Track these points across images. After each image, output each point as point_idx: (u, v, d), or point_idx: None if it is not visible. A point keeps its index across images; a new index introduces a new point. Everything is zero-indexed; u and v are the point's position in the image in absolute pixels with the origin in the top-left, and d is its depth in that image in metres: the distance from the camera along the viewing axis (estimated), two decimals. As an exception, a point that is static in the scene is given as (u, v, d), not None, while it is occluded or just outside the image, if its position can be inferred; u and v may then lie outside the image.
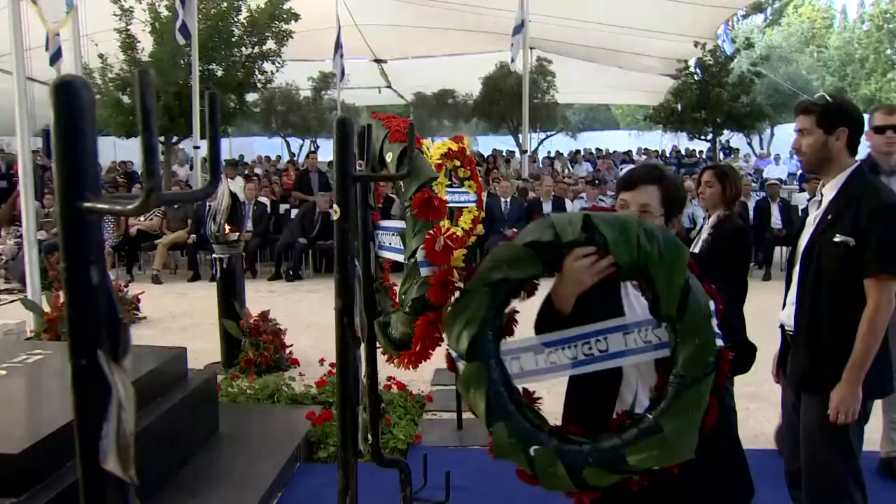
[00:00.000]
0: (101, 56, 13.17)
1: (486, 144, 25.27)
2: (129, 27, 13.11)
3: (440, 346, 2.11)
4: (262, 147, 28.04)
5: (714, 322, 1.79)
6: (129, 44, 13.16)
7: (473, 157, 4.95)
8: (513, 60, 15.89)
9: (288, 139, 25.92)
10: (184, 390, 4.29)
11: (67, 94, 0.68)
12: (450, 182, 5.41)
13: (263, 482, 3.99)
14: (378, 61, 24.10)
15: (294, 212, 12.32)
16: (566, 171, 19.98)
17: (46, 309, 7.12)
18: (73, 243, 0.68)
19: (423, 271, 1.89)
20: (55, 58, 12.95)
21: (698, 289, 1.80)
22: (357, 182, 1.66)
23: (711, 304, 1.81)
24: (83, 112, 0.68)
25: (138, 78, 0.63)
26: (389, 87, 26.06)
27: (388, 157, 1.98)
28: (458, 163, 4.67)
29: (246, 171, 17.28)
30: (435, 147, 4.82)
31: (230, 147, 27.23)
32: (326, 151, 25.67)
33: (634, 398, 2.02)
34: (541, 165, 20.01)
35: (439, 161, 4.44)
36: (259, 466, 4.20)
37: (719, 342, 1.79)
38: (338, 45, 19.28)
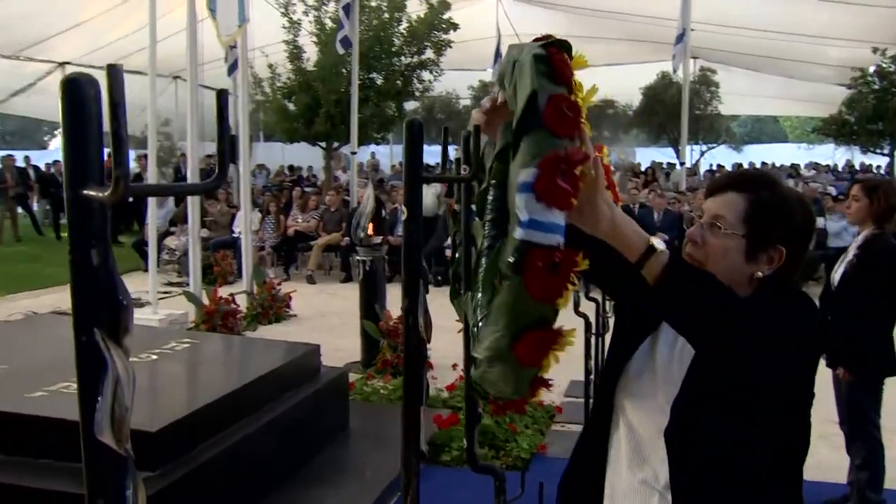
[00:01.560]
0: (270, 66, 13.94)
1: (648, 156, 24.73)
2: (296, 38, 13.81)
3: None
4: (424, 155, 28.62)
5: (527, 200, 1.23)
6: (295, 54, 13.86)
7: (611, 168, 4.88)
8: (674, 71, 15.44)
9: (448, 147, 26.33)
10: (315, 385, 4.46)
11: (73, 90, 0.73)
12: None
13: (384, 480, 4.08)
14: (537, 71, 24.08)
15: (445, 218, 12.51)
16: (727, 184, 19.20)
17: (206, 302, 7.61)
18: (77, 227, 0.74)
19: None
20: (232, 69, 13.87)
21: (532, 146, 1.26)
22: (423, 183, 1.67)
23: (532, 173, 1.23)
24: (87, 107, 0.73)
25: (107, 72, 0.67)
26: (548, 96, 25.97)
27: (488, 162, 1.97)
28: (593, 172, 4.61)
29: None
30: (569, 156, 4.81)
31: (391, 153, 28.04)
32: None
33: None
34: (701, 178, 19.32)
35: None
36: (382, 464, 4.29)
37: (522, 234, 1.24)
38: (497, 55, 19.44)
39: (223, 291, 8.16)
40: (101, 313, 0.72)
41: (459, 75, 21.17)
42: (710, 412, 1.51)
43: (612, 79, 21.90)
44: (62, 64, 18.31)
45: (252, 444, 3.63)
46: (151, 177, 8.18)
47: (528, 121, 1.28)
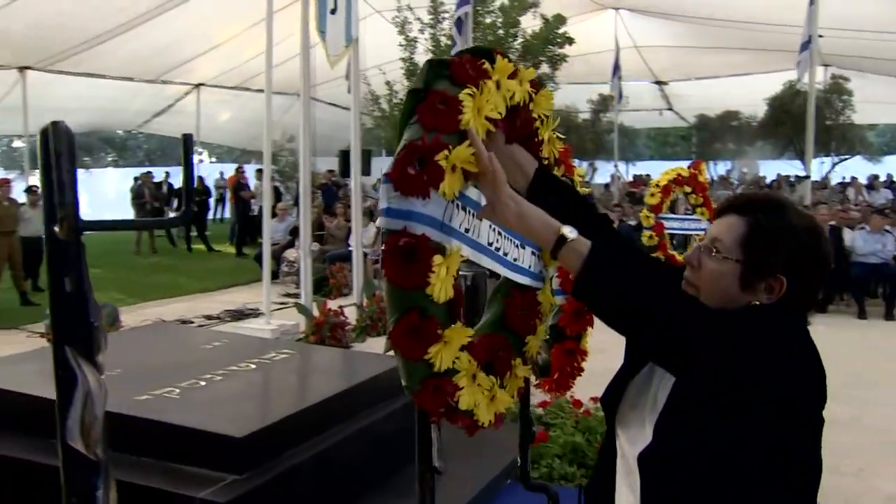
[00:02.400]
0: (387, 83, 14.34)
1: (775, 169, 23.83)
2: (412, 56, 14.15)
3: (580, 375, 2.11)
4: (542, 169, 28.51)
5: (386, 190, 1.38)
6: (411, 71, 14.20)
7: (706, 184, 4.78)
8: (800, 79, 14.85)
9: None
10: (407, 397, 4.56)
11: (47, 140, 0.84)
12: (685, 209, 5.31)
13: (468, 494, 4.13)
14: (659, 83, 23.67)
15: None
16: (860, 198, 18.21)
17: (316, 314, 7.89)
18: (52, 258, 0.84)
19: (559, 299, 1.90)
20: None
21: (404, 141, 1.44)
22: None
23: (390, 164, 1.40)
24: (61, 155, 0.83)
25: (52, 128, 0.77)
26: (671, 109, 25.46)
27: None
28: (688, 189, 4.55)
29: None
30: (663, 173, 4.77)
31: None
32: (604, 174, 25.65)
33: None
34: (831, 192, 18.45)
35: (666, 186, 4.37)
36: (468, 478, 4.34)
37: (379, 221, 1.40)
38: (616, 68, 19.27)
39: (338, 303, 8.42)
40: (73, 333, 0.82)
41: (579, 89, 21.08)
42: (682, 429, 1.45)
43: (735, 89, 21.35)
44: (197, 85, 19.47)
45: (340, 452, 3.76)
46: (266, 191, 8.57)
47: (408, 118, 1.39)
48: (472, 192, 1.53)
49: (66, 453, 0.83)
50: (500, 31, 14.29)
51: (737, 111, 22.78)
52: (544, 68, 14.73)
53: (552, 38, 14.47)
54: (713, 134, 24.04)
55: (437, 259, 1.36)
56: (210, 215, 21.15)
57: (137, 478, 3.17)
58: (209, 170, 25.74)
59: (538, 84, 1.68)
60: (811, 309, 1.55)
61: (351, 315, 8.46)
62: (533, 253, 1.79)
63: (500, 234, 1.67)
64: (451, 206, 1.45)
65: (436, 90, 1.40)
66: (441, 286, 1.36)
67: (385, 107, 14.79)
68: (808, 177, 13.90)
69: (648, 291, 1.41)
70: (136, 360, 4.44)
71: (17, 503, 3.42)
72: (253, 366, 4.30)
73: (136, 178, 18.08)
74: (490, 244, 1.64)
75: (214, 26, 15.78)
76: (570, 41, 14.58)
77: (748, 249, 1.49)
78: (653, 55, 21.02)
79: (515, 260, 1.73)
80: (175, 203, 18.32)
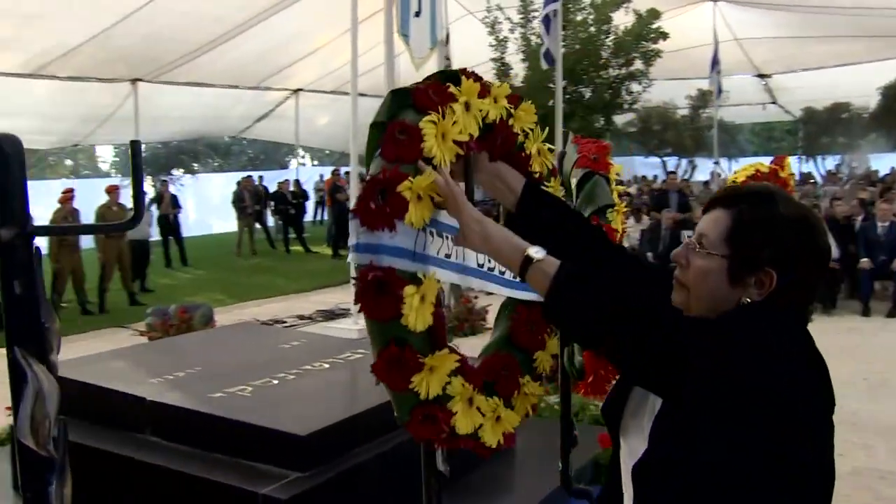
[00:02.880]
0: (478, 84, 14.39)
1: (889, 162, 22.62)
2: (503, 56, 14.13)
3: (615, 379, 2.05)
4: (642, 167, 28.01)
5: (354, 226, 1.42)
6: (503, 71, 14.19)
7: (789, 180, 4.57)
8: (914, 67, 14.05)
9: (665, 159, 25.70)
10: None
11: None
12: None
13: (534, 498, 4.08)
14: (761, 76, 22.82)
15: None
16: (984, 192, 17.08)
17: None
18: (3, 261, 0.88)
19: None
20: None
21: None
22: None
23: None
24: (10, 162, 0.88)
25: None
26: (774, 102, 24.51)
27: (573, 182, 2.00)
28: (769, 185, 4.35)
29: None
30: (741, 168, 4.59)
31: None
32: (704, 171, 24.94)
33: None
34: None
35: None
36: (535, 482, 4.28)
37: (350, 257, 1.42)
38: (714, 62, 18.69)
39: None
40: (23, 334, 0.86)
41: (677, 84, 20.58)
42: (676, 435, 1.38)
43: (845, 80, 20.37)
44: (296, 91, 19.98)
45: (406, 452, 3.76)
46: (352, 193, 8.71)
47: (372, 150, 1.39)
48: (449, 217, 1.52)
49: (20, 450, 0.87)
50: (592, 28, 14.10)
51: (847, 102, 21.76)
52: (638, 64, 14.45)
53: (645, 33, 14.18)
54: (821, 127, 23.03)
55: (409, 290, 1.36)
56: (309, 217, 21.66)
57: (205, 472, 3.28)
58: (309, 173, 26.33)
59: (517, 99, 1.65)
60: (809, 305, 1.46)
61: (438, 316, 8.51)
62: None
63: None
64: (423, 235, 1.45)
65: (396, 121, 1.39)
66: (415, 315, 1.36)
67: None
68: (921, 170, 13.11)
69: (654, 295, 1.38)
70: (215, 359, 4.59)
71: (103, 494, 3.59)
72: (327, 365, 4.37)
73: (238, 183, 18.71)
74: (481, 265, 1.63)
75: (310, 33, 16.16)
76: (664, 36, 14.25)
77: (734, 243, 1.42)
78: (754, 47, 20.30)
79: (515, 277, 1.70)
80: (273, 205, 18.89)
